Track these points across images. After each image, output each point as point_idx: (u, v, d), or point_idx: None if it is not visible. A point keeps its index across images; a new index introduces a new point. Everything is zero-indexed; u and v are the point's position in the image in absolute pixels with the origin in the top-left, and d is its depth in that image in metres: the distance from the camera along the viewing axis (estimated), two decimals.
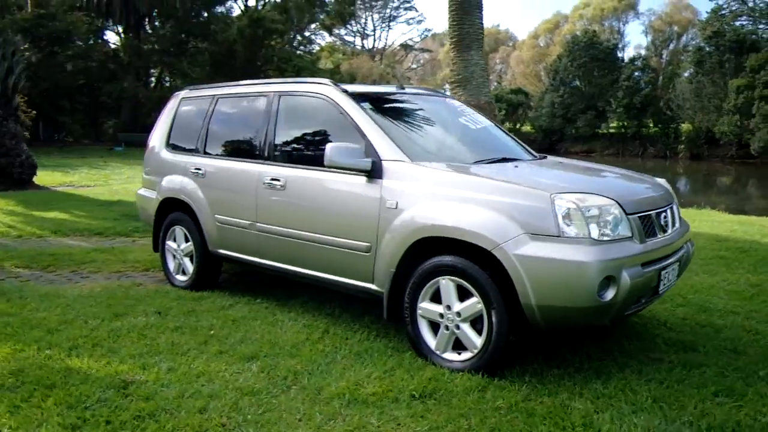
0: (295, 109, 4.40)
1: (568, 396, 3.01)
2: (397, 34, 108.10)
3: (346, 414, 2.84)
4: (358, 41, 61.07)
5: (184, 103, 5.40)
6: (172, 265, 5.27)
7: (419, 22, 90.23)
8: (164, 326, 4.04)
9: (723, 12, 42.40)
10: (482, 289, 3.19)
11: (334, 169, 3.86)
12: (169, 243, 5.26)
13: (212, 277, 5.09)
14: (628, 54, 48.41)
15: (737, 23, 41.62)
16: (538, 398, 2.98)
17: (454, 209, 3.32)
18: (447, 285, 3.35)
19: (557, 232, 3.03)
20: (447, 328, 3.37)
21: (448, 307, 3.35)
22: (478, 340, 3.26)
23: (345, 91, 4.09)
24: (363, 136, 3.82)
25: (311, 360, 3.46)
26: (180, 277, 5.20)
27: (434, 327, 3.47)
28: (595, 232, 3.04)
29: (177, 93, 5.61)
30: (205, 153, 5.00)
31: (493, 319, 3.17)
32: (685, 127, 41.18)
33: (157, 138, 5.54)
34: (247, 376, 3.26)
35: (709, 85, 41.14)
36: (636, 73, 43.69)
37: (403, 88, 4.74)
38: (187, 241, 5.09)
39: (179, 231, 5.15)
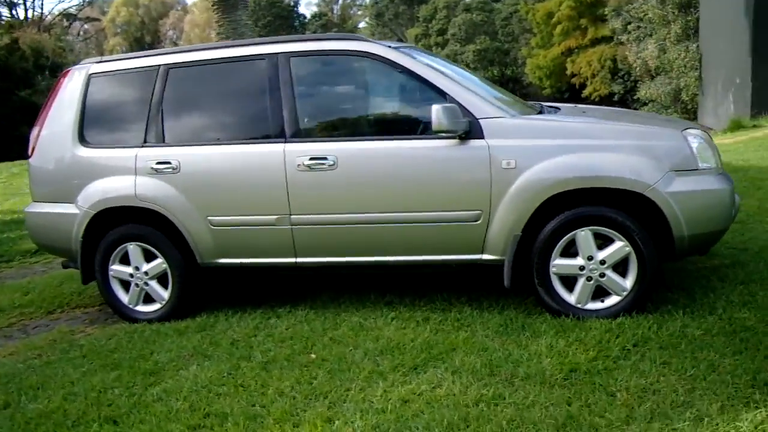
0: (322, 73, 3.69)
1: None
2: (54, 2, 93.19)
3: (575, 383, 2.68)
4: (5, 11, 50.91)
5: (96, 82, 4.01)
6: (124, 295, 4.02)
7: None
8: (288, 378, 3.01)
9: None
10: (628, 232, 3.26)
11: (412, 136, 3.42)
12: (117, 268, 3.98)
13: (197, 298, 4.06)
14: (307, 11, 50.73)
15: None
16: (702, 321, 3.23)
17: (592, 159, 3.27)
18: (586, 236, 3.32)
19: (695, 165, 3.25)
20: (589, 279, 3.37)
21: (590, 258, 3.34)
22: (626, 282, 3.34)
23: (393, 48, 3.57)
24: (442, 94, 3.42)
25: (478, 349, 3.10)
26: (144, 308, 4.02)
27: (565, 282, 3.42)
28: (717, 162, 3.36)
29: (73, 69, 4.12)
30: (166, 142, 3.85)
31: (645, 257, 3.28)
32: None
33: (55, 133, 4.04)
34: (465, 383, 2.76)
35: (390, 35, 45.55)
36: (320, 30, 46.00)
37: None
38: (150, 260, 3.93)
39: (134, 249, 3.93)
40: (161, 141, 3.84)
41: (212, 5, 10.52)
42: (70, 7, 53.75)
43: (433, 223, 3.47)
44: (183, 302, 3.96)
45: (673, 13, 17.73)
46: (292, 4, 46.46)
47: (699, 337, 3.01)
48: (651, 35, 19.62)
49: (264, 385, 2.90)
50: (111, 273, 4.01)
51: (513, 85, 48.71)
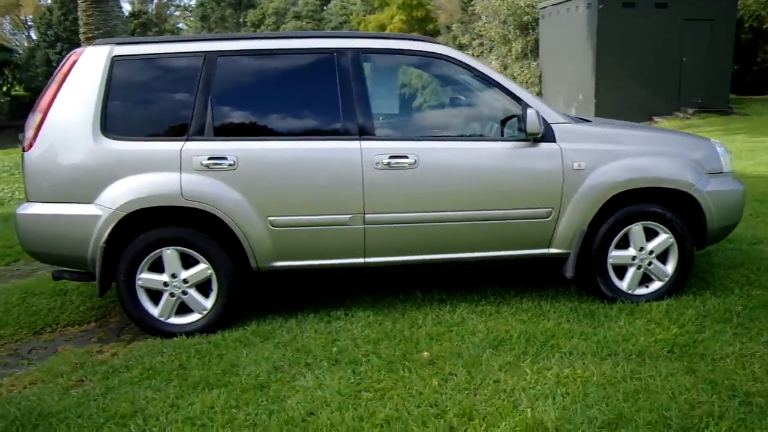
0: (396, 73, 3.64)
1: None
2: None
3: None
4: None
5: (122, 66, 3.50)
6: (152, 306, 3.56)
7: None
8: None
9: None
10: (673, 225, 3.75)
11: (488, 137, 3.58)
12: (148, 276, 3.52)
13: (239, 306, 3.75)
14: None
15: None
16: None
17: (648, 162, 3.70)
18: (639, 230, 3.74)
19: (721, 169, 3.85)
20: (639, 267, 3.79)
21: (641, 249, 3.77)
22: (668, 269, 3.82)
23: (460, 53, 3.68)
24: (517, 100, 3.62)
25: (574, 335, 3.33)
26: (178, 320, 3.60)
27: (618, 272, 3.81)
28: (731, 167, 4.00)
29: (85, 51, 3.54)
30: (217, 136, 3.50)
31: (685, 247, 3.79)
32: None
33: (66, 121, 3.44)
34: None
35: None
36: (138, 30, 42.96)
37: None
38: (189, 266, 3.54)
39: (171, 255, 3.51)
40: (211, 134, 3.49)
41: None
42: None
43: (506, 220, 3.64)
44: (228, 312, 3.63)
45: (515, 33, 19.76)
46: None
47: (741, 311, 3.58)
48: (491, 51, 21.61)
49: (408, 387, 2.83)
50: (139, 282, 3.53)
51: None
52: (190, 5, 48.14)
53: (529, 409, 2.58)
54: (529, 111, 3.44)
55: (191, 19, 45.35)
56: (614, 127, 4.04)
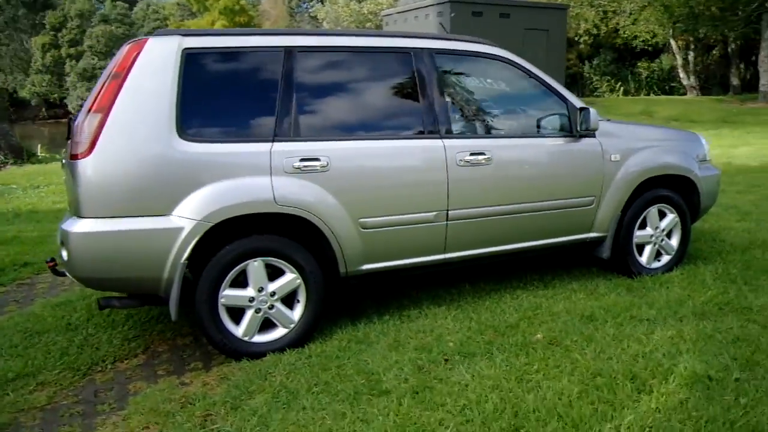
0: (463, 73, 3.76)
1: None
2: None
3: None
4: None
5: (195, 60, 3.16)
6: (233, 326, 3.28)
7: None
8: None
9: None
10: (680, 208, 4.39)
11: (543, 134, 3.91)
12: (232, 293, 3.23)
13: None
14: None
15: None
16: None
17: (661, 154, 4.27)
18: (654, 212, 4.32)
19: (706, 157, 4.58)
20: (654, 244, 4.36)
21: (656, 228, 4.34)
22: (673, 243, 4.44)
23: (516, 56, 3.93)
24: (564, 99, 3.97)
25: (642, 305, 3.75)
26: (262, 338, 3.35)
27: (641, 249, 4.35)
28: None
29: (149, 42, 3.12)
30: (304, 136, 3.32)
31: (687, 225, 4.44)
32: None
33: (134, 123, 3.03)
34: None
35: (6, 42, 39.30)
36: None
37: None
38: (274, 278, 3.32)
39: (257, 267, 3.26)
40: (298, 134, 3.31)
41: None
42: None
43: (562, 209, 3.98)
44: (315, 323, 3.45)
45: None
46: None
47: (737, 273, 4.29)
48: None
49: (564, 363, 2.99)
50: (222, 300, 3.22)
51: None
52: None
53: (681, 365, 2.90)
54: (591, 110, 3.81)
55: None
56: (630, 125, 4.62)
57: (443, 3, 17.99)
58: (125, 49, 3.14)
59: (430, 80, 3.59)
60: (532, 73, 3.93)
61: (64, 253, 3.12)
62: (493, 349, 3.21)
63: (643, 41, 25.16)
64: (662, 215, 4.38)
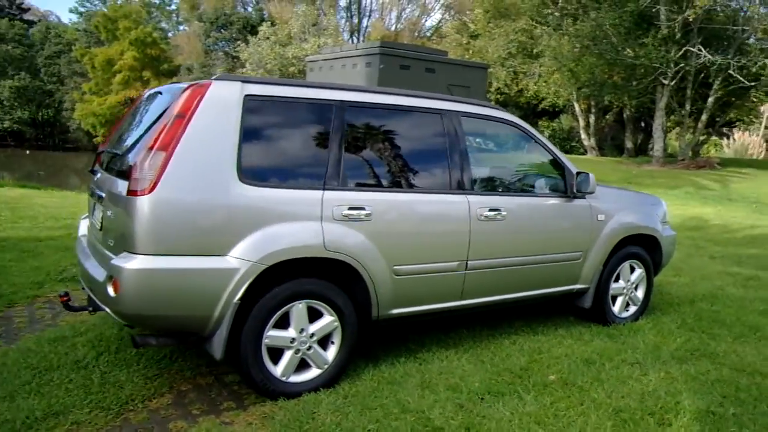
0: (481, 134, 4.12)
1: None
2: None
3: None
4: None
5: (255, 106, 3.29)
6: (274, 367, 3.37)
7: None
8: None
9: None
10: (646, 263, 4.96)
11: (545, 194, 4.35)
12: (276, 333, 3.33)
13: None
14: None
15: None
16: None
17: (635, 215, 4.84)
18: (627, 267, 4.86)
19: (666, 219, 5.22)
20: (625, 296, 4.89)
21: (628, 281, 4.88)
22: (639, 294, 4.98)
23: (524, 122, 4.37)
24: (561, 163, 4.44)
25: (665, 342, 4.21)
26: (298, 378, 3.45)
27: (614, 299, 4.85)
28: None
29: (212, 85, 3.21)
30: (350, 186, 3.52)
31: (651, 277, 5.02)
32: None
33: (198, 163, 3.11)
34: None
35: None
36: None
37: None
38: (314, 320, 3.46)
39: (301, 309, 3.39)
40: (344, 184, 3.51)
41: None
42: None
43: (559, 262, 4.41)
44: (346, 364, 3.60)
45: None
46: None
47: (693, 321, 4.90)
48: None
49: (587, 400, 3.34)
50: (266, 341, 3.31)
51: (51, 129, 44.25)
52: None
53: (685, 402, 3.35)
54: (590, 175, 4.30)
55: None
56: (608, 188, 5.15)
57: (373, 54, 18.90)
58: (188, 90, 3.21)
59: (457, 139, 3.92)
60: (536, 137, 4.39)
61: (110, 289, 3.08)
62: (518, 389, 3.50)
63: (550, 103, 27.31)
64: (632, 270, 4.93)
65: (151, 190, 3.01)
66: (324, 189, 3.42)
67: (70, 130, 42.16)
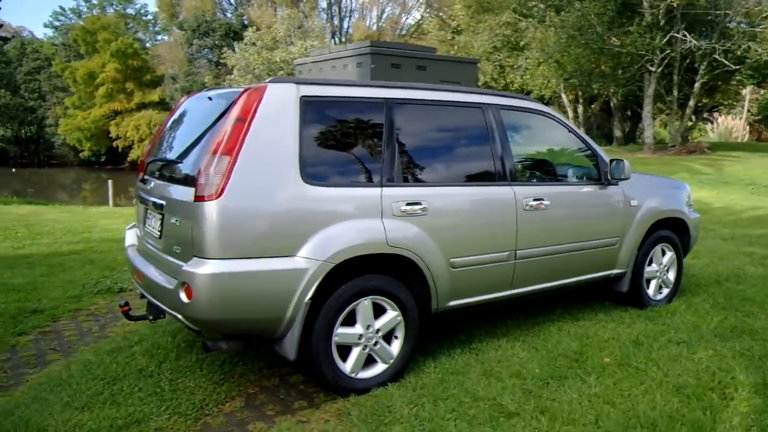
0: (518, 126, 4.21)
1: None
2: None
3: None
4: None
5: (311, 108, 3.35)
6: (343, 364, 3.45)
7: None
8: None
9: None
10: (676, 246, 5.10)
11: (580, 183, 4.47)
12: (344, 331, 3.42)
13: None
14: None
15: None
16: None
17: (665, 199, 4.97)
18: (659, 250, 4.99)
19: (691, 203, 5.36)
20: (659, 279, 5.02)
21: (660, 264, 5.01)
22: (671, 276, 5.12)
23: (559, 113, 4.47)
24: (594, 152, 4.56)
25: (686, 327, 4.34)
26: (366, 374, 3.53)
27: (648, 283, 4.98)
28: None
29: (269, 88, 3.26)
30: (406, 182, 3.60)
31: (681, 259, 5.16)
32: None
33: (262, 166, 3.17)
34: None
35: None
36: None
37: None
38: (378, 315, 3.54)
39: (366, 305, 3.47)
40: (401, 180, 3.59)
41: None
42: None
43: (597, 248, 4.52)
44: (410, 358, 3.68)
45: None
46: None
47: (724, 301, 5.05)
48: None
49: (646, 379, 3.46)
50: (335, 339, 3.38)
51: (35, 146, 43.73)
52: None
53: (740, 376, 3.47)
54: (624, 162, 4.42)
55: None
56: (638, 175, 5.26)
57: (364, 54, 18.94)
58: (245, 94, 3.26)
59: (499, 131, 4.02)
60: (570, 126, 4.50)
61: (183, 296, 3.13)
62: (578, 372, 3.61)
63: (536, 95, 27.54)
64: (663, 253, 5.06)
65: (219, 194, 3.06)
66: (382, 186, 3.50)
67: (55, 146, 41.75)
